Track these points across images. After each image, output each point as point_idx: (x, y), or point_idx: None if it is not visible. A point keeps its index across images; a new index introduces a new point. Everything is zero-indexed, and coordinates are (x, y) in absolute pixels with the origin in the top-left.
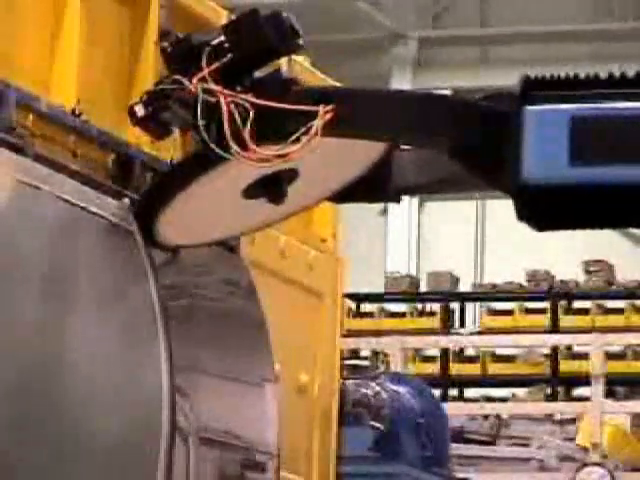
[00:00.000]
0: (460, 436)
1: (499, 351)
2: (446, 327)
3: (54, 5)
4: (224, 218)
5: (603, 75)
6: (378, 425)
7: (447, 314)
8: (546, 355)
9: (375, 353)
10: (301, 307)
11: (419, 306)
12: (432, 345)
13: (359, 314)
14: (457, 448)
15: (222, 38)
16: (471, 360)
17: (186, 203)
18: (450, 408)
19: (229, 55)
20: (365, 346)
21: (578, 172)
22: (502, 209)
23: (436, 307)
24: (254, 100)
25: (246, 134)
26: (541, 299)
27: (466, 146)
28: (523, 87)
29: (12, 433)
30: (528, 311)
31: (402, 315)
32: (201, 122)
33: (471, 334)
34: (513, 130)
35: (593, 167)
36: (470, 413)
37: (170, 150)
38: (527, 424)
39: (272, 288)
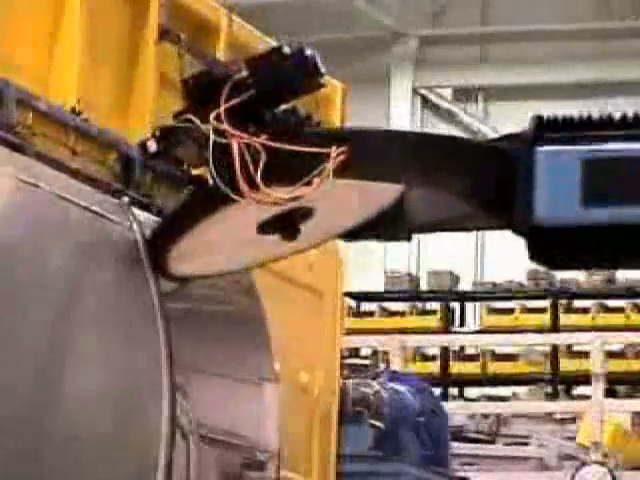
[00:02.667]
0: (460, 435)
1: (499, 350)
2: (446, 326)
3: (54, 4)
4: (236, 251)
5: (616, 116)
6: (378, 424)
7: (447, 313)
8: (546, 354)
9: (375, 352)
10: (301, 306)
11: (419, 305)
12: (432, 344)
13: (359, 313)
14: (457, 447)
15: (245, 73)
16: (471, 359)
17: (198, 236)
18: (450, 407)
19: (250, 91)
20: (365, 345)
21: (590, 213)
22: None
23: (436, 306)
24: (266, 142)
25: (257, 176)
26: (541, 298)
27: (478, 188)
28: (535, 128)
29: (11, 432)
30: (528, 310)
31: (402, 314)
32: (212, 164)
33: (471, 333)
34: (525, 171)
35: (605, 208)
36: (470, 412)
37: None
38: (527, 423)
39: (272, 287)
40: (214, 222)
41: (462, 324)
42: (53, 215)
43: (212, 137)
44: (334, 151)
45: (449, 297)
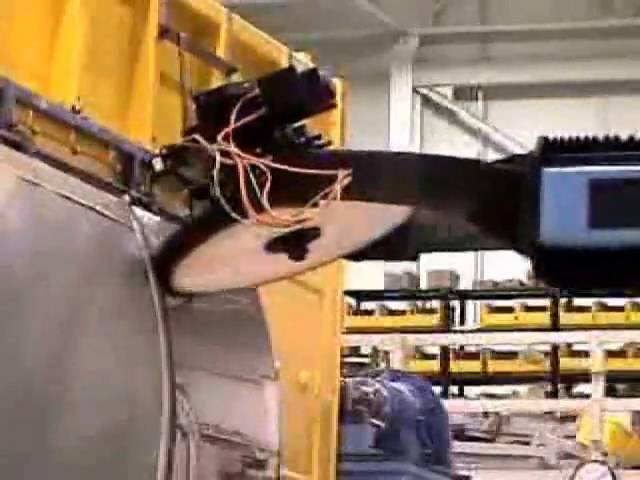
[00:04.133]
0: (461, 433)
1: (499, 348)
2: (446, 325)
3: (54, 3)
4: (241, 268)
5: (622, 137)
6: (379, 423)
7: (447, 312)
8: (546, 353)
9: (375, 351)
10: (302, 305)
11: (419, 304)
12: (432, 343)
13: (359, 312)
14: (458, 446)
15: (256, 92)
16: (471, 357)
17: (203, 254)
18: (450, 405)
19: (261, 110)
20: (365, 344)
21: (596, 235)
22: None
23: (436, 305)
24: (272, 164)
25: (263, 197)
26: (541, 296)
27: (483, 209)
28: (541, 149)
29: (10, 430)
30: (528, 308)
31: (402, 313)
32: (218, 184)
33: (471, 332)
34: (531, 192)
35: (611, 230)
36: (470, 410)
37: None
38: (527, 421)
39: (272, 286)
40: (220, 240)
41: (462, 323)
42: (53, 214)
43: (218, 158)
44: (341, 173)
45: (449, 296)
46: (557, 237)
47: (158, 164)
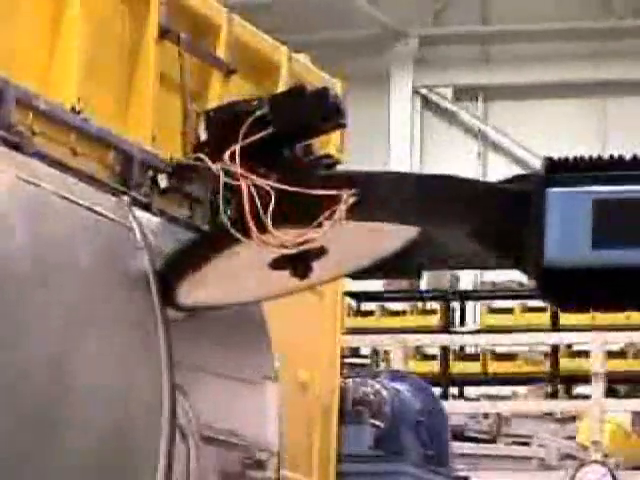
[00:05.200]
0: (460, 434)
1: (499, 349)
2: (446, 325)
3: (55, 3)
4: (246, 284)
5: (627, 157)
6: (378, 423)
7: (447, 312)
8: (546, 353)
9: (375, 351)
10: (302, 305)
11: (419, 304)
12: (432, 343)
13: (360, 312)
14: (457, 446)
15: (266, 110)
16: (471, 358)
17: (207, 270)
18: (450, 406)
19: (270, 128)
20: (365, 344)
21: (601, 255)
22: None
23: (436, 305)
24: (276, 185)
25: (267, 218)
26: None
27: (488, 229)
28: (546, 169)
29: (10, 429)
30: (528, 309)
31: (402, 313)
32: (222, 204)
33: (471, 332)
34: (536, 212)
35: (616, 250)
36: (470, 411)
37: (169, 147)
38: (527, 422)
39: None
40: (224, 257)
41: (462, 323)
42: (52, 214)
43: (222, 179)
44: (345, 194)
45: (449, 297)
46: (561, 257)
47: (163, 181)
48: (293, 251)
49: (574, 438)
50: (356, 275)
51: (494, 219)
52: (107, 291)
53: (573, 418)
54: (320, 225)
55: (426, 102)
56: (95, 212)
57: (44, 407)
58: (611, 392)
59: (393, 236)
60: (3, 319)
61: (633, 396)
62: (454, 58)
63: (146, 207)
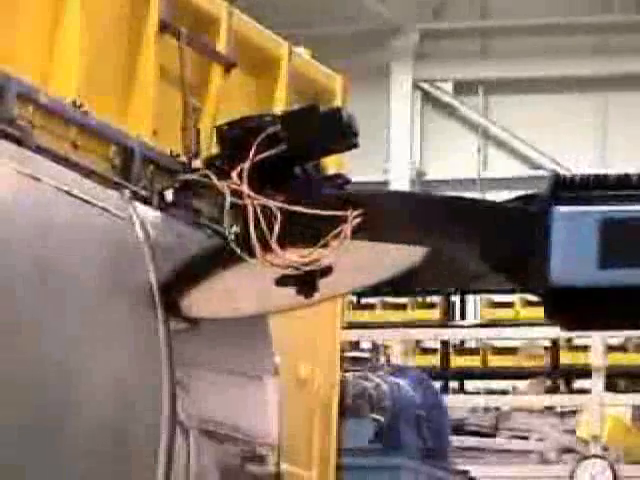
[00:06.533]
0: (460, 428)
1: (499, 343)
2: (447, 319)
3: None
4: (252, 299)
5: (633, 176)
6: (379, 417)
7: (447, 306)
8: (546, 347)
9: (376, 345)
10: None
11: (420, 298)
12: (432, 337)
13: (360, 306)
14: (457, 440)
15: (279, 127)
16: (471, 352)
17: (212, 285)
18: (450, 400)
19: (281, 146)
20: (366, 338)
21: (607, 275)
22: None
23: (437, 299)
24: (282, 205)
25: (272, 238)
26: None
27: (493, 249)
28: (553, 187)
29: (10, 428)
30: (529, 303)
31: (403, 307)
32: (227, 223)
33: (471, 326)
34: (542, 231)
35: (622, 270)
36: (471, 405)
37: (170, 141)
38: (527, 416)
39: None
40: (229, 273)
41: (463, 317)
42: (53, 209)
43: (228, 198)
44: (351, 214)
45: (449, 290)
46: (567, 276)
47: (170, 196)
48: (299, 271)
49: (574, 432)
50: (360, 293)
51: (499, 238)
52: (108, 285)
53: (573, 412)
54: (326, 245)
55: (426, 96)
56: (96, 206)
57: (44, 407)
58: (611, 386)
59: (398, 256)
60: (2, 312)
61: (633, 390)
62: (454, 52)
63: (147, 201)
